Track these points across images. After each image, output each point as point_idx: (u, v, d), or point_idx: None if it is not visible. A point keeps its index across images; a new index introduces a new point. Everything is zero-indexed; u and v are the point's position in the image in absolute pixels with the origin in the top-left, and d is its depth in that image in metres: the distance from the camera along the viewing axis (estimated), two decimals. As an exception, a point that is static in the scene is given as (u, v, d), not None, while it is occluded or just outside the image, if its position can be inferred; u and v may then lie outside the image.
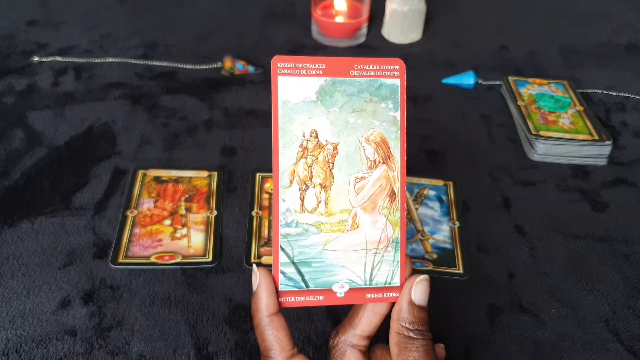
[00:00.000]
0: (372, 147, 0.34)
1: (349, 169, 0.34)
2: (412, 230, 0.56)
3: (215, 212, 0.56)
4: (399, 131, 0.35)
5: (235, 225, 0.56)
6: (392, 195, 0.35)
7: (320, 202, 0.34)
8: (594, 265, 0.54)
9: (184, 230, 0.54)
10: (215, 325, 0.47)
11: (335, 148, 0.34)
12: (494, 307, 0.50)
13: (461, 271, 0.52)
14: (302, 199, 0.34)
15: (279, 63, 0.33)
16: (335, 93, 0.34)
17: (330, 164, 0.34)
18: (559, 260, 0.54)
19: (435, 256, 0.54)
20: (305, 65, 0.33)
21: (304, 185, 0.34)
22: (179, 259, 0.51)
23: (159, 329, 0.46)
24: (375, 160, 0.34)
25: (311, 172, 0.34)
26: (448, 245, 0.55)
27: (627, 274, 0.53)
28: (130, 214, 0.55)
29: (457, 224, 0.57)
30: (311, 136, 0.33)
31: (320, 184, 0.34)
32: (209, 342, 0.45)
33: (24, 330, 0.45)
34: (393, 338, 0.34)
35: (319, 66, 0.34)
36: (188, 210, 0.56)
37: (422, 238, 0.55)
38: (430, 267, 0.52)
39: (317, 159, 0.34)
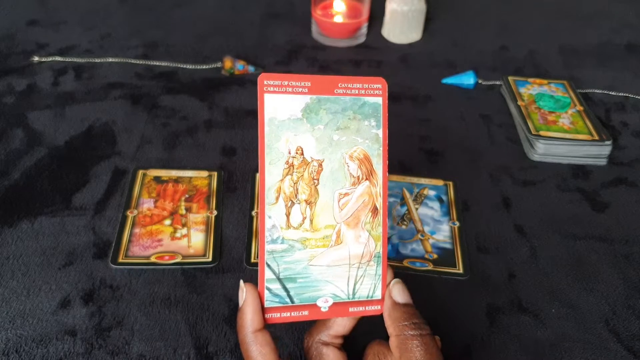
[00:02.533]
0: (355, 163, 0.35)
1: (334, 185, 0.35)
2: (412, 230, 0.56)
3: (215, 212, 0.56)
4: (382, 148, 0.36)
5: (235, 225, 0.56)
6: (375, 210, 0.36)
7: (305, 218, 0.35)
8: (594, 265, 0.54)
9: (184, 230, 0.54)
10: (215, 325, 0.47)
11: (320, 165, 0.35)
12: (493, 307, 0.50)
13: (461, 271, 0.52)
14: (287, 215, 0.34)
15: (265, 80, 0.33)
16: (320, 111, 0.34)
17: (315, 181, 0.35)
18: (559, 260, 0.54)
19: (435, 256, 0.54)
20: (291, 83, 0.34)
21: (290, 202, 0.34)
22: (179, 259, 0.51)
23: (159, 329, 0.46)
24: (358, 177, 0.35)
25: (297, 189, 0.34)
26: (448, 245, 0.55)
27: (627, 274, 0.53)
28: (130, 214, 0.55)
29: (457, 224, 0.57)
30: (297, 153, 0.34)
31: (306, 200, 0.35)
32: (209, 342, 0.45)
33: (24, 330, 0.45)
34: (393, 342, 0.34)
35: (304, 84, 0.34)
36: (188, 210, 0.56)
37: (422, 238, 0.55)
38: (430, 267, 0.52)
39: (302, 175, 0.34)
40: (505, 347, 0.47)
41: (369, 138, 0.35)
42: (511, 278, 0.52)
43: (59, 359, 0.44)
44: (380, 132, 0.36)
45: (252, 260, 0.52)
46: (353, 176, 0.35)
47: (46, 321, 0.46)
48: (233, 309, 0.48)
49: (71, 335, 0.45)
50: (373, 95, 0.36)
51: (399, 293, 0.35)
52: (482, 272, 0.53)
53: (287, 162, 0.34)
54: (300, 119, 0.34)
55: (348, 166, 0.35)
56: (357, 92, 0.35)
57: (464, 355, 0.46)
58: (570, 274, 0.53)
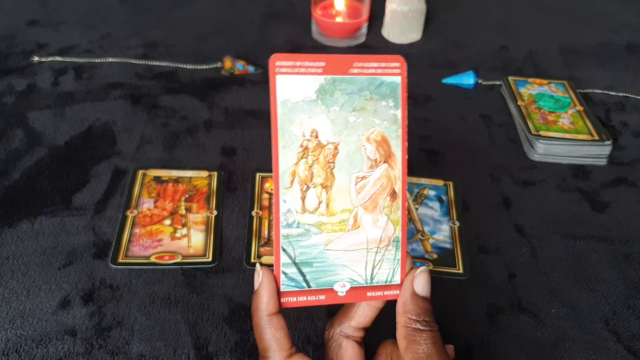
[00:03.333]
0: (373, 146, 0.34)
1: (350, 168, 0.34)
2: (412, 230, 0.56)
3: (215, 212, 0.56)
4: (400, 129, 0.34)
5: (235, 225, 0.56)
6: (393, 194, 0.35)
7: (321, 202, 0.34)
8: (594, 265, 0.54)
9: (184, 230, 0.54)
10: (215, 325, 0.47)
11: (336, 147, 0.33)
12: (494, 307, 0.50)
13: (461, 271, 0.52)
14: (303, 199, 0.33)
15: (277, 62, 0.32)
16: (335, 92, 0.33)
17: (331, 164, 0.34)
18: (559, 260, 0.54)
19: (435, 256, 0.54)
20: (304, 64, 0.33)
21: (305, 186, 0.33)
22: (179, 259, 0.51)
23: (159, 329, 0.46)
24: (376, 160, 0.34)
25: (312, 173, 0.33)
26: (448, 245, 0.55)
27: (627, 274, 0.53)
28: (130, 214, 0.55)
29: (457, 224, 0.57)
30: (311, 136, 0.33)
31: (321, 184, 0.34)
32: (209, 342, 0.45)
33: (24, 330, 0.45)
34: (400, 332, 0.34)
35: (318, 64, 0.33)
36: (188, 210, 0.56)
37: (422, 238, 0.55)
38: (430, 267, 0.52)
39: (317, 159, 0.33)
40: (505, 347, 0.47)
41: (387, 119, 0.34)
42: (511, 278, 0.52)
43: (59, 359, 0.44)
44: (398, 113, 0.34)
45: (252, 260, 0.52)
46: (370, 159, 0.34)
47: (46, 321, 0.46)
48: (233, 309, 0.48)
49: (71, 335, 0.45)
50: (391, 74, 0.34)
51: (422, 284, 0.35)
52: (482, 272, 0.53)
53: (301, 146, 0.33)
54: (315, 101, 0.33)
55: (365, 149, 0.34)
56: (373, 71, 0.34)
57: (464, 355, 0.46)
58: (570, 274, 0.53)
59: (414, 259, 0.53)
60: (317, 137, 0.33)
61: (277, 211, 0.33)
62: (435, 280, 0.51)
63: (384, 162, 0.34)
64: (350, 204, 0.34)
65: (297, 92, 0.33)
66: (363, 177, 0.34)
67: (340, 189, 0.34)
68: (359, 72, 0.34)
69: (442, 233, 0.56)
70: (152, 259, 0.51)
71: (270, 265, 0.34)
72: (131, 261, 0.51)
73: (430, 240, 0.55)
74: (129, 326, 0.46)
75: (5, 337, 0.45)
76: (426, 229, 0.56)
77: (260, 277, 0.33)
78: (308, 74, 0.33)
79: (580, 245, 0.56)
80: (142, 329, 0.46)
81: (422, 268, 0.35)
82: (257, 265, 0.34)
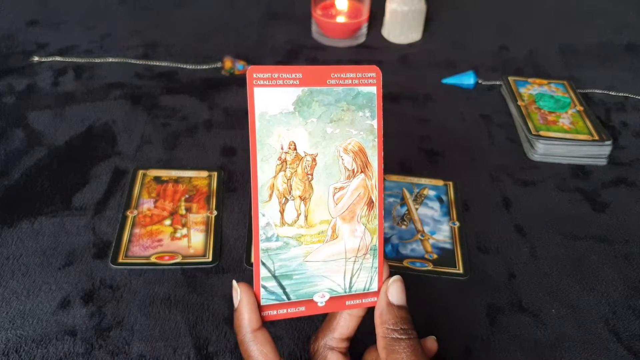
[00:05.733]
0: (350, 156, 0.34)
1: (328, 179, 0.34)
2: (412, 230, 0.56)
3: (215, 212, 0.56)
4: (376, 139, 0.35)
5: (235, 225, 0.56)
6: (370, 203, 0.35)
7: (300, 214, 0.34)
8: (594, 265, 0.54)
9: (184, 230, 0.54)
10: (215, 325, 0.47)
11: (314, 159, 0.34)
12: (494, 307, 0.50)
13: (461, 271, 0.52)
14: (282, 212, 0.34)
15: (254, 74, 0.32)
16: (312, 103, 0.33)
17: (309, 176, 0.34)
18: (559, 260, 0.54)
19: (435, 256, 0.54)
20: (281, 76, 0.33)
21: (284, 199, 0.34)
22: (179, 259, 0.51)
23: (159, 329, 0.46)
24: (353, 170, 0.34)
25: (290, 185, 0.33)
26: (448, 245, 0.55)
27: (627, 274, 0.53)
28: (130, 214, 0.55)
29: (457, 224, 0.57)
30: (289, 148, 0.33)
31: (300, 197, 0.34)
32: (209, 342, 0.45)
33: (24, 330, 0.45)
34: (380, 342, 0.34)
35: (295, 76, 0.33)
36: (188, 210, 0.56)
37: (422, 238, 0.55)
38: (430, 267, 0.52)
39: (295, 171, 0.33)
40: (505, 347, 0.47)
41: (364, 129, 0.34)
42: (511, 278, 0.52)
43: (59, 359, 0.44)
44: (374, 123, 0.35)
45: (252, 260, 0.52)
46: (348, 169, 0.34)
47: (46, 321, 0.46)
48: (233, 309, 0.48)
49: (71, 335, 0.45)
50: (367, 84, 0.34)
51: (396, 293, 0.35)
52: (482, 272, 0.53)
53: (279, 158, 0.33)
54: (292, 113, 0.33)
55: (342, 159, 0.34)
56: (350, 82, 0.34)
57: (464, 355, 0.46)
58: (570, 274, 0.53)
59: (414, 259, 0.53)
60: (295, 149, 0.33)
61: (256, 225, 0.33)
62: (435, 280, 0.52)
63: (361, 172, 0.35)
64: (328, 215, 0.34)
65: (275, 105, 0.33)
66: (341, 188, 0.34)
67: (318, 200, 0.34)
68: (336, 83, 0.34)
69: (442, 233, 0.56)
70: (152, 259, 0.51)
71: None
72: (131, 261, 0.51)
73: (430, 241, 0.55)
74: (129, 326, 0.46)
75: (5, 337, 0.45)
76: (426, 229, 0.56)
77: (239, 294, 0.33)
78: (285, 86, 0.33)
79: (580, 245, 0.56)
80: (142, 329, 0.46)
81: (395, 277, 0.35)
82: (234, 282, 0.34)
